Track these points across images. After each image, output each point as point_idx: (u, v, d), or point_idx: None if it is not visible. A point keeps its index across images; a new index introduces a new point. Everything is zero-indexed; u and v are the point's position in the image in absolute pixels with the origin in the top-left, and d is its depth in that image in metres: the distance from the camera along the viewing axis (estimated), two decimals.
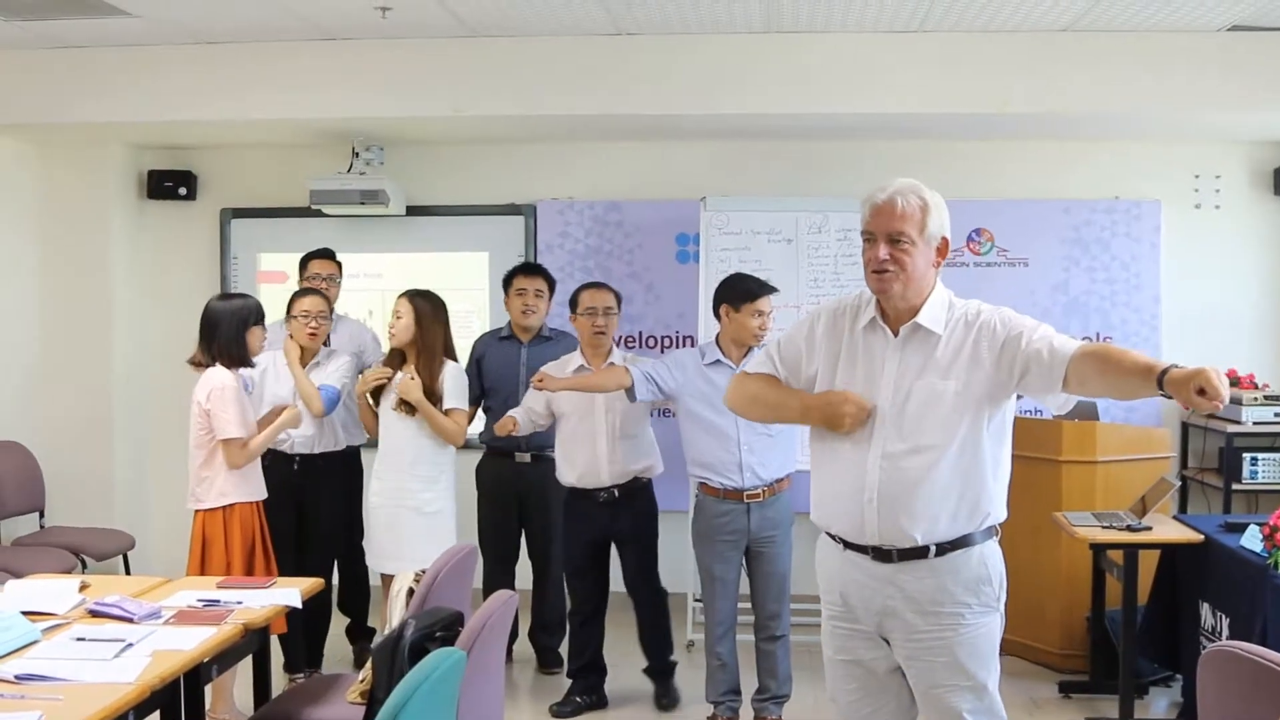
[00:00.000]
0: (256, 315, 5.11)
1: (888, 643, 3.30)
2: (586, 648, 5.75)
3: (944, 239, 3.26)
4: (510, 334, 6.24)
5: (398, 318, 5.49)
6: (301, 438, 5.81)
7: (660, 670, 5.79)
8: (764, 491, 5.20)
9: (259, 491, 5.17)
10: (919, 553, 3.19)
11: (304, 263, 6.41)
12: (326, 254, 6.43)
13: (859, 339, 3.30)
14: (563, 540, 5.79)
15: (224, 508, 5.01)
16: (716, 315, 5.32)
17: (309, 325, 5.69)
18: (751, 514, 5.20)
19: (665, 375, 5.26)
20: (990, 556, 3.25)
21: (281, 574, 5.55)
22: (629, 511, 5.61)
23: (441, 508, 5.54)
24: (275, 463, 5.62)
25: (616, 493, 5.57)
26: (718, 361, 5.24)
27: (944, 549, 3.18)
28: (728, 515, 5.21)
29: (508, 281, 6.24)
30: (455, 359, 5.63)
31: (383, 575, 5.58)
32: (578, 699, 5.69)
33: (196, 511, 5.05)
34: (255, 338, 5.11)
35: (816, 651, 6.36)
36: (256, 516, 5.12)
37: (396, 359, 5.55)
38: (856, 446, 3.23)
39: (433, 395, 5.43)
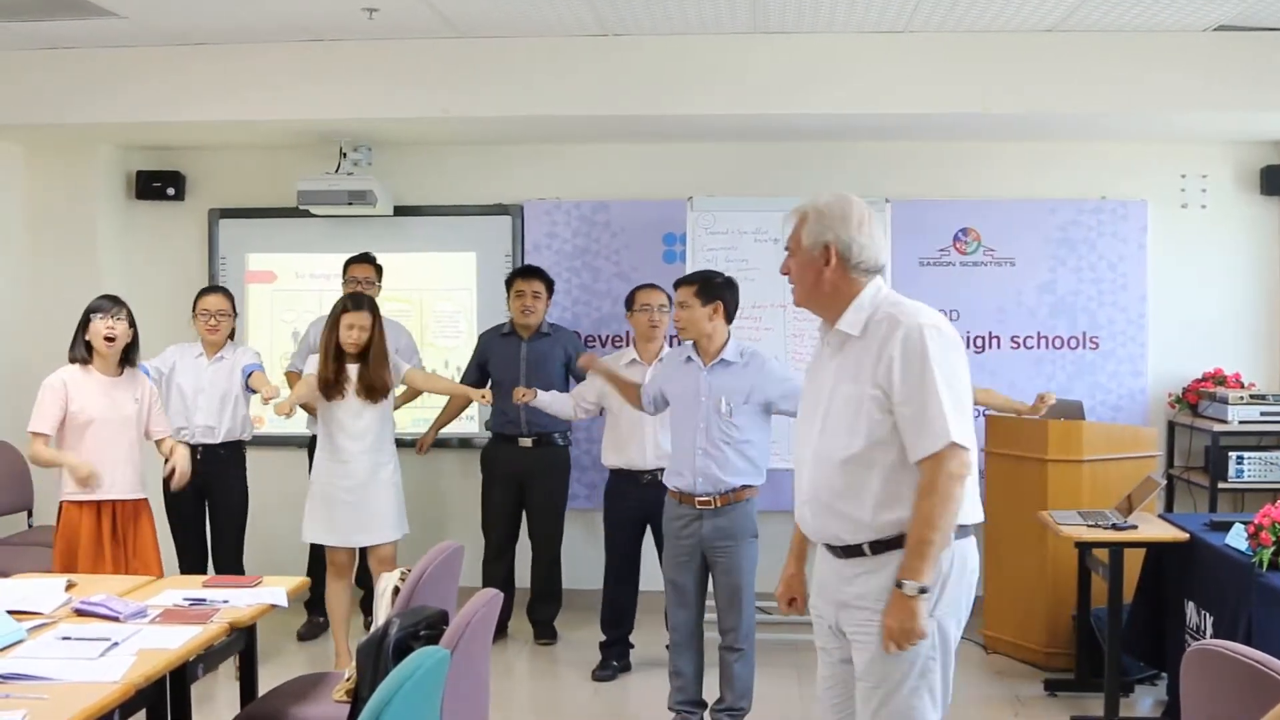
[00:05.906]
0: (91, 309, 5.44)
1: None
2: (621, 620, 6.27)
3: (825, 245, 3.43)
4: (512, 330, 6.65)
5: (361, 330, 5.76)
6: (202, 428, 6.11)
7: None
8: (716, 500, 5.12)
9: (82, 493, 5.28)
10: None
11: (345, 266, 6.77)
12: (366, 258, 6.79)
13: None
14: (604, 520, 6.30)
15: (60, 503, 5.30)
16: None
17: (209, 323, 6.13)
18: (704, 521, 5.15)
19: (656, 386, 5.44)
20: None
21: (189, 560, 6.15)
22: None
23: (399, 479, 6.02)
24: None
25: (659, 476, 5.78)
26: (689, 359, 5.28)
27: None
28: (682, 520, 5.20)
29: (509, 283, 6.68)
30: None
31: (361, 549, 5.99)
32: (614, 663, 6.23)
33: None
34: (91, 331, 5.40)
35: (778, 651, 6.42)
36: (85, 518, 5.26)
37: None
38: None
39: (385, 388, 5.84)
